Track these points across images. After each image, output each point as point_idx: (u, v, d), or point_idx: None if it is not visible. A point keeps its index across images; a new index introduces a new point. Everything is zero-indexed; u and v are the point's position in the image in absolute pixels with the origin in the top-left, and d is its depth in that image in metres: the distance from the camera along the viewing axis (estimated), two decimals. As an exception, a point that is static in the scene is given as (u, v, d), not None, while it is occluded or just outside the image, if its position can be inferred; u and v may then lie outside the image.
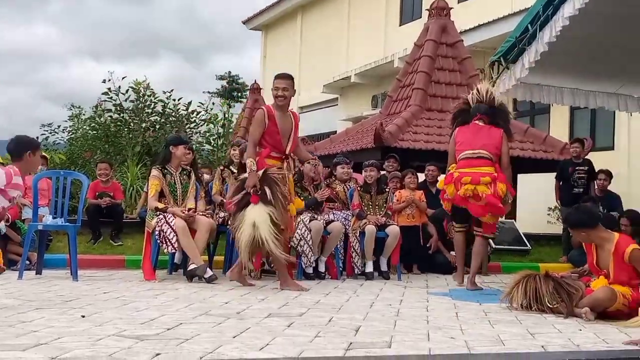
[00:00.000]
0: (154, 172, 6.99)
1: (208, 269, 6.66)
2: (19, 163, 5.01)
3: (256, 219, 5.99)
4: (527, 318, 4.93)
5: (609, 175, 9.76)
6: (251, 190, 6.08)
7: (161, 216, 6.74)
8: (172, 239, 6.59)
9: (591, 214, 5.45)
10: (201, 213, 7.03)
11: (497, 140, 6.96)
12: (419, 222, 8.61)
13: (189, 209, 6.94)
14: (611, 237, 5.19)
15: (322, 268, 7.38)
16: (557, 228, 10.51)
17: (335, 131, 17.59)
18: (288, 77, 6.42)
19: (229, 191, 7.36)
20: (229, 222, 7.22)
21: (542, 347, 3.86)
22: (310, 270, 7.19)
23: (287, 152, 6.38)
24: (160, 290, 5.83)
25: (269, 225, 5.98)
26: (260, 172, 6.13)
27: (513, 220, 11.08)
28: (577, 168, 9.93)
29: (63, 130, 14.59)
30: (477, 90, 7.30)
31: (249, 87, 21.58)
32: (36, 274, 6.88)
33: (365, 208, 7.78)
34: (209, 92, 34.18)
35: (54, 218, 7.05)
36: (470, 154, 6.92)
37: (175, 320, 4.26)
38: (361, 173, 8.22)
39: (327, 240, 7.33)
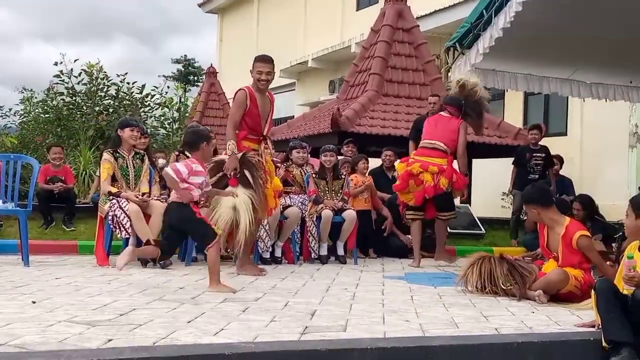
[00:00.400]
0: (105, 155, 6.87)
1: (163, 254, 6.57)
2: (196, 153, 5.38)
3: (236, 202, 5.94)
4: (481, 301, 4.99)
5: (560, 160, 9.93)
6: (231, 173, 6.03)
7: (114, 201, 6.63)
8: (125, 224, 6.50)
9: (546, 193, 5.52)
10: (155, 198, 6.94)
11: (453, 132, 7.13)
12: (371, 206, 8.64)
13: (143, 194, 6.85)
14: (562, 221, 5.27)
15: (278, 253, 7.36)
16: (510, 212, 10.66)
17: (293, 116, 17.56)
18: (271, 61, 6.40)
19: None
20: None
21: (496, 329, 3.91)
22: (267, 255, 7.16)
23: (264, 133, 6.39)
24: (113, 276, 5.75)
25: (248, 208, 5.95)
26: (239, 155, 6.09)
27: (468, 204, 11.19)
28: (534, 154, 10.06)
29: (14, 113, 14.25)
30: (457, 81, 7.43)
31: (205, 71, 21.36)
32: (-15, 259, 6.72)
33: (322, 194, 7.77)
34: (164, 76, 33.79)
35: (4, 203, 6.89)
36: (427, 143, 7.59)
37: (128, 305, 4.20)
38: (319, 158, 8.21)
39: (284, 225, 7.30)
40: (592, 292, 3.99)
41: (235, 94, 6.38)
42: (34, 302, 4.21)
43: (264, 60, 6.36)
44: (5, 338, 3.14)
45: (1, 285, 5.02)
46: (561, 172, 10.69)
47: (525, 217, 9.56)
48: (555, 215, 5.30)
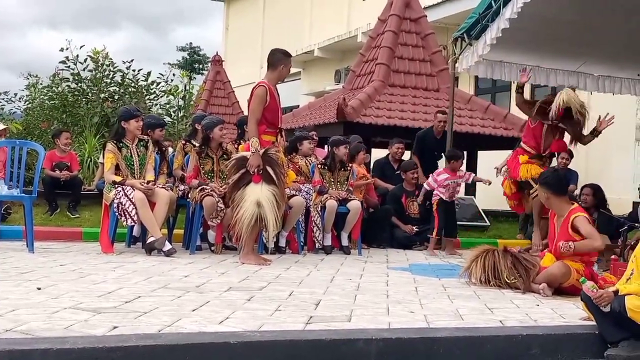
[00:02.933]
0: (109, 146, 6.83)
1: (167, 242, 6.58)
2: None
3: (261, 199, 6.01)
4: (485, 293, 4.98)
5: (570, 154, 9.89)
6: (254, 170, 6.07)
7: (120, 189, 6.62)
8: (131, 211, 6.49)
9: (562, 182, 5.48)
10: (160, 186, 6.94)
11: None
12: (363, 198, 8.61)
13: (149, 182, 6.84)
14: (568, 208, 5.24)
15: (282, 243, 7.36)
16: (516, 205, 10.63)
17: (298, 105, 17.53)
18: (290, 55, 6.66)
19: (190, 164, 7.31)
20: (189, 195, 7.17)
21: (500, 321, 3.91)
22: (271, 245, 7.16)
23: (280, 126, 6.53)
24: (118, 263, 5.76)
25: (273, 204, 6.02)
26: (262, 152, 6.19)
27: (472, 196, 11.18)
28: None
29: (19, 99, 14.25)
30: (559, 103, 7.57)
31: (210, 59, 21.32)
32: (-9, 245, 6.74)
33: (327, 184, 7.77)
34: (169, 64, 33.69)
35: (9, 189, 6.90)
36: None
37: (133, 293, 4.21)
38: (323, 148, 8.19)
39: (289, 214, 7.30)
40: (581, 301, 3.98)
41: (253, 89, 6.39)
42: (39, 289, 4.22)
43: (287, 54, 6.59)
44: (11, 324, 3.15)
45: (6, 271, 5.03)
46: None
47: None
48: (564, 204, 5.28)
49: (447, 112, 9.71)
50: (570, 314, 4.28)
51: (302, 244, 7.58)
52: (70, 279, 4.72)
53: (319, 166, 7.84)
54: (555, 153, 9.64)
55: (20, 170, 6.95)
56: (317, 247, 7.60)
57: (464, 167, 10.78)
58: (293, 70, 24.12)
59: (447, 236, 8.37)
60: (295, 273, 5.69)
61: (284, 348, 3.21)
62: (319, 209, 7.57)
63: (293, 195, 7.38)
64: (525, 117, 9.07)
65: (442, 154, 9.68)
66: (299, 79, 22.18)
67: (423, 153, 9.65)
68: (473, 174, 9.07)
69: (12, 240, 7.17)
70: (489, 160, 12.27)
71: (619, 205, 9.48)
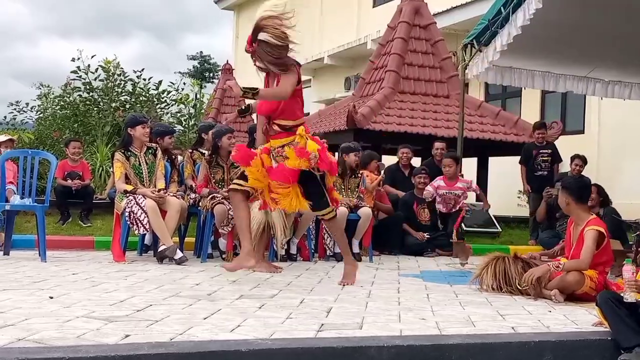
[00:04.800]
0: (117, 155, 6.86)
1: (178, 250, 6.61)
2: None
3: None
4: (497, 300, 4.97)
5: (583, 161, 9.86)
6: None
7: (131, 197, 6.65)
8: (142, 220, 6.52)
9: (585, 190, 5.44)
10: (172, 194, 6.96)
11: None
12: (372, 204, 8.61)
13: (159, 190, 6.86)
14: (587, 218, 5.22)
15: (293, 250, 7.37)
16: (527, 211, 10.60)
17: (309, 113, 17.54)
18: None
19: (200, 173, 7.33)
20: (200, 203, 7.19)
21: (513, 328, 3.89)
22: (282, 252, 7.17)
23: None
24: (130, 272, 5.78)
25: (281, 211, 6.02)
26: None
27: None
28: (540, 151, 10.01)
29: (31, 109, 14.34)
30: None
31: (220, 68, 21.39)
32: (4, 254, 6.78)
33: (338, 191, 7.77)
34: (180, 72, 33.87)
35: (21, 198, 6.94)
36: None
37: (145, 301, 4.22)
38: (334, 155, 8.19)
39: (300, 222, 7.31)
40: (596, 307, 3.97)
41: None
42: (51, 298, 4.24)
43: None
44: (24, 333, 3.16)
45: (19, 280, 5.06)
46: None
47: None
48: (584, 213, 5.25)
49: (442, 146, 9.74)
50: (582, 320, 4.26)
51: (312, 251, 7.58)
52: (82, 288, 4.74)
53: (330, 173, 7.84)
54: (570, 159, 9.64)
55: (33, 180, 6.99)
56: (328, 254, 7.60)
57: (473, 177, 10.78)
58: (303, 77, 24.07)
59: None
60: (307, 280, 5.69)
61: (296, 356, 3.21)
62: (330, 216, 7.56)
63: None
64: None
65: None
66: (309, 86, 22.20)
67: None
68: (480, 190, 8.85)
69: (25, 249, 7.21)
70: (499, 166, 12.28)
71: (631, 210, 9.42)
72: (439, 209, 8.71)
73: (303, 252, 7.48)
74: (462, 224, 8.63)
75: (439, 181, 8.00)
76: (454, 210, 8.45)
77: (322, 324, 3.71)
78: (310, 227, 7.49)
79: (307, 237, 7.50)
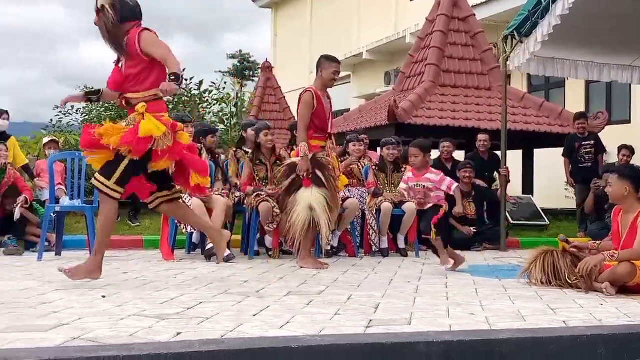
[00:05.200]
0: None
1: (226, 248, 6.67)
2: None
3: (312, 202, 6.07)
4: (547, 293, 4.91)
5: (631, 151, 9.69)
6: (304, 175, 6.14)
7: (177, 196, 6.73)
8: (189, 218, 6.60)
9: None
10: (217, 192, 7.04)
11: None
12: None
13: (205, 189, 6.94)
14: (639, 207, 5.13)
15: (335, 242, 7.37)
16: (575, 203, 10.44)
17: (349, 109, 17.55)
18: (339, 62, 6.69)
19: (244, 172, 7.39)
20: (245, 201, 7.25)
21: (564, 322, 3.84)
22: (327, 247, 7.17)
23: (329, 130, 6.55)
24: (179, 270, 5.85)
25: (325, 207, 6.06)
26: (310, 156, 6.23)
27: (530, 195, 11.03)
28: (583, 143, 9.86)
29: (77, 111, 14.60)
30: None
31: (260, 66, 21.48)
32: (55, 255, 6.93)
33: (381, 187, 7.76)
34: (220, 71, 34.03)
35: (70, 199, 7.08)
36: None
37: (195, 299, 4.27)
38: (376, 151, 8.19)
39: (343, 217, 7.32)
40: None
41: (300, 95, 6.46)
42: (103, 297, 4.31)
43: (338, 61, 6.62)
44: (78, 332, 3.22)
45: (71, 280, 5.14)
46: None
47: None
48: (637, 203, 5.16)
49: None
50: (635, 312, 4.19)
51: (358, 247, 7.58)
52: (133, 287, 4.82)
53: (373, 168, 7.84)
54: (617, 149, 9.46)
55: (81, 181, 7.12)
56: (373, 250, 7.60)
57: (518, 170, 10.62)
58: (342, 73, 24.23)
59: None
60: (353, 276, 5.69)
61: (345, 352, 3.21)
62: (374, 211, 7.56)
63: (347, 198, 7.39)
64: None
65: (492, 175, 9.68)
66: (349, 82, 22.18)
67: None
68: (455, 185, 6.50)
69: (76, 249, 7.35)
70: (546, 158, 12.11)
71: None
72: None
73: (348, 248, 7.49)
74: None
75: (408, 173, 6.86)
76: (427, 206, 6.51)
77: (371, 320, 3.71)
78: (355, 223, 7.49)
79: (352, 233, 7.50)
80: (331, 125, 6.60)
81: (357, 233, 7.58)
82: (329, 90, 6.64)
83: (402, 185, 6.73)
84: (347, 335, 3.37)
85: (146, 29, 4.90)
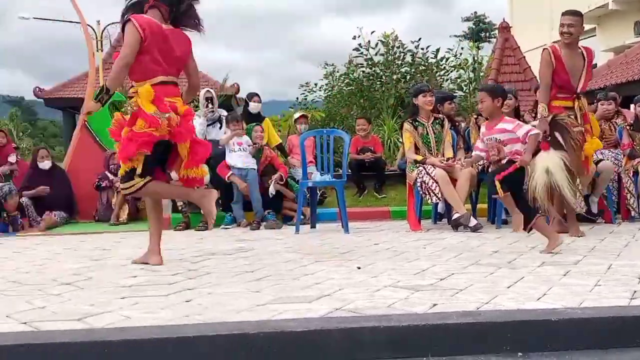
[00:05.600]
0: (405, 125, 7.15)
1: (472, 217, 6.64)
2: None
3: (549, 165, 5.85)
4: None
5: None
6: (542, 137, 5.96)
7: (421, 168, 6.83)
8: (434, 189, 6.66)
9: None
10: (459, 162, 7.00)
11: None
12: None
13: (448, 159, 6.95)
14: None
15: (594, 209, 7.01)
16: None
17: (596, 65, 16.48)
18: (574, 14, 6.21)
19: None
20: (489, 170, 7.12)
21: None
22: (582, 212, 6.81)
23: (577, 90, 6.19)
24: (427, 241, 5.93)
25: (563, 170, 5.82)
26: (549, 118, 5.99)
27: None
28: None
29: (319, 88, 15.19)
30: None
31: (497, 27, 20.85)
32: (311, 227, 7.35)
33: (638, 147, 7.22)
34: (455, 36, 33.65)
35: (321, 175, 7.46)
36: None
37: (445, 270, 4.31)
38: (628, 109, 7.63)
39: (597, 180, 6.92)
40: None
41: (543, 53, 6.20)
42: (359, 268, 4.50)
43: (567, 13, 6.20)
44: (339, 303, 3.39)
45: (327, 252, 5.43)
46: None
47: None
48: None
49: None
50: None
51: (615, 212, 7.14)
52: (385, 258, 4.97)
53: (627, 128, 7.32)
54: None
55: (330, 157, 7.46)
56: (632, 215, 7.12)
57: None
58: (587, 26, 22.85)
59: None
60: (611, 245, 5.39)
61: (608, 324, 3.06)
62: (631, 174, 7.07)
63: (600, 160, 6.98)
64: None
65: None
66: (594, 35, 20.82)
67: None
68: (535, 131, 5.40)
69: (328, 222, 7.73)
70: None
71: None
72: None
73: (605, 215, 7.09)
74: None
75: (482, 128, 5.75)
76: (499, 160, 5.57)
77: (635, 291, 3.50)
78: (611, 187, 7.06)
79: (608, 197, 7.08)
80: (583, 85, 6.17)
81: (613, 198, 7.14)
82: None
83: (479, 144, 5.68)
84: (610, 308, 3.21)
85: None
